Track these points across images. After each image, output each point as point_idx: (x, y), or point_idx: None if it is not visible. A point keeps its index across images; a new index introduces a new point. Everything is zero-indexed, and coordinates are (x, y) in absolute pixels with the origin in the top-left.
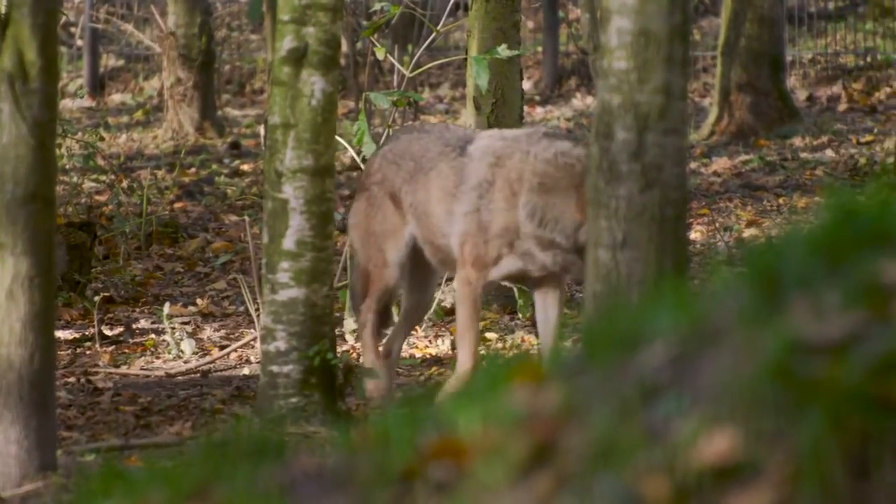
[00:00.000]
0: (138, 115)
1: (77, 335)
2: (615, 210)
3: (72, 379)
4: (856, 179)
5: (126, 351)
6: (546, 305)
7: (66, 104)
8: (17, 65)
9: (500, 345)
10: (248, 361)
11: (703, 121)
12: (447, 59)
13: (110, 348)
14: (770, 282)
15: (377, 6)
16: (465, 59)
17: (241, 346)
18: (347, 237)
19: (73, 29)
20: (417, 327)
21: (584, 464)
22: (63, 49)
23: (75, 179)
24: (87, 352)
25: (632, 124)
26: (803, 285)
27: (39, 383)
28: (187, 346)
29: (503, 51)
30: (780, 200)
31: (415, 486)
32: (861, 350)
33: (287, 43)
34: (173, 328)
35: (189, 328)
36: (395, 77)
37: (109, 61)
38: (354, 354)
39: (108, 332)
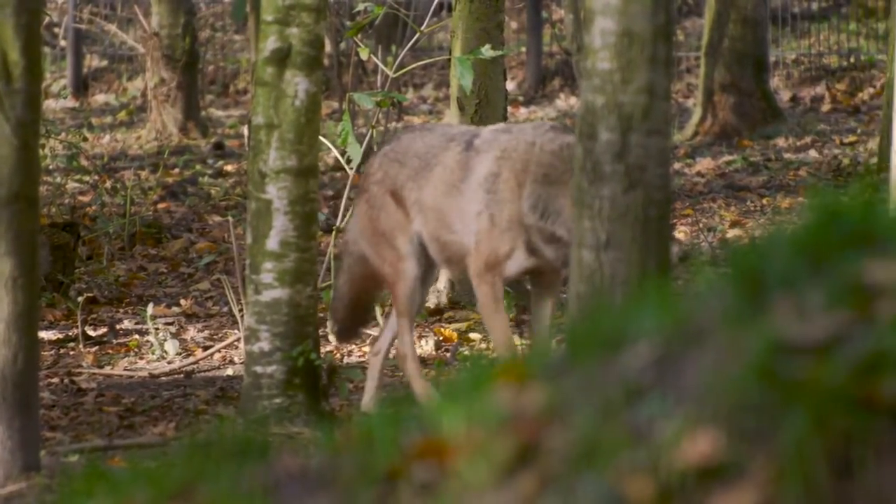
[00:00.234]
0: (122, 115)
1: (61, 336)
2: (599, 210)
3: (55, 379)
4: (839, 180)
5: (110, 351)
6: (540, 305)
7: (49, 105)
8: (0, 65)
9: (483, 345)
10: (231, 362)
11: (686, 121)
12: (431, 60)
13: (94, 349)
14: (754, 282)
15: (361, 6)
16: (449, 60)
17: (224, 347)
18: (330, 239)
19: (56, 29)
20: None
21: (568, 464)
22: (46, 49)
23: (59, 180)
24: (71, 352)
25: (615, 125)
26: (787, 286)
27: (23, 384)
28: (171, 346)
29: (487, 51)
30: (764, 201)
31: (399, 486)
32: (844, 350)
33: (271, 43)
34: (157, 329)
35: (173, 329)
36: (379, 77)
37: (93, 62)
38: (338, 354)
39: (91, 333)
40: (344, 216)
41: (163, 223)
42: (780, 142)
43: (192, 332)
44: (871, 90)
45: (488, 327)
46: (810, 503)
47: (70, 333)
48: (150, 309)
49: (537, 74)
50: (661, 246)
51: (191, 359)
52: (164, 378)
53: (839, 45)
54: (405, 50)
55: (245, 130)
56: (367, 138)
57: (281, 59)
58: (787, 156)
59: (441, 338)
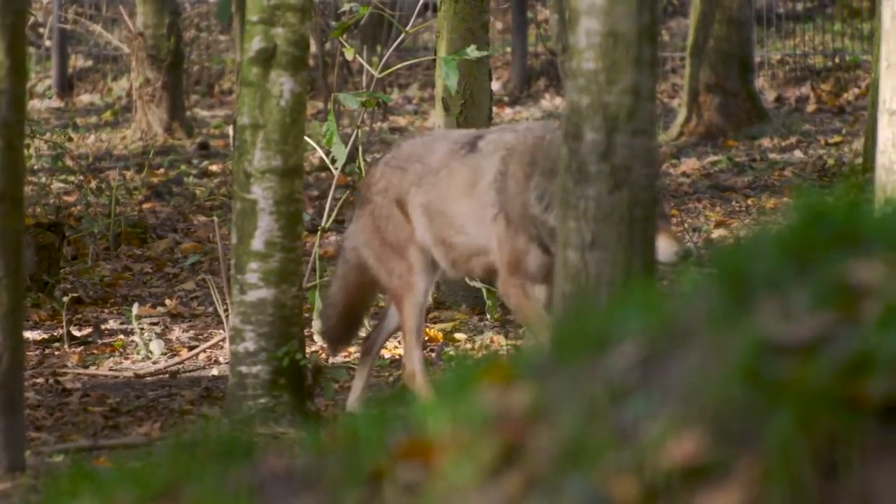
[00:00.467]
0: (107, 115)
1: (46, 336)
2: (584, 211)
3: (40, 380)
4: (824, 180)
5: (95, 352)
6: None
7: (34, 105)
8: None
9: (469, 345)
10: (216, 362)
11: (671, 122)
12: (416, 60)
13: (79, 349)
14: (739, 283)
15: (346, 7)
16: (434, 60)
17: (209, 347)
18: (315, 239)
19: (41, 29)
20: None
21: (553, 464)
22: (31, 50)
23: (44, 180)
24: (56, 352)
25: (601, 125)
26: (772, 286)
27: (8, 384)
28: (156, 346)
29: (472, 51)
30: (749, 201)
31: (384, 486)
32: (830, 351)
33: (256, 43)
34: (142, 329)
35: (158, 329)
36: (364, 78)
37: (78, 62)
38: (323, 355)
39: (76, 333)
40: (329, 216)
41: (148, 223)
42: (765, 142)
43: (177, 333)
44: (856, 90)
45: (531, 331)
46: (796, 503)
47: (55, 333)
48: (135, 309)
49: (522, 75)
50: (647, 246)
51: (176, 359)
52: (149, 378)
53: (824, 45)
54: (390, 50)
55: (230, 130)
56: (352, 139)
57: (266, 59)
58: (772, 156)
59: (426, 338)
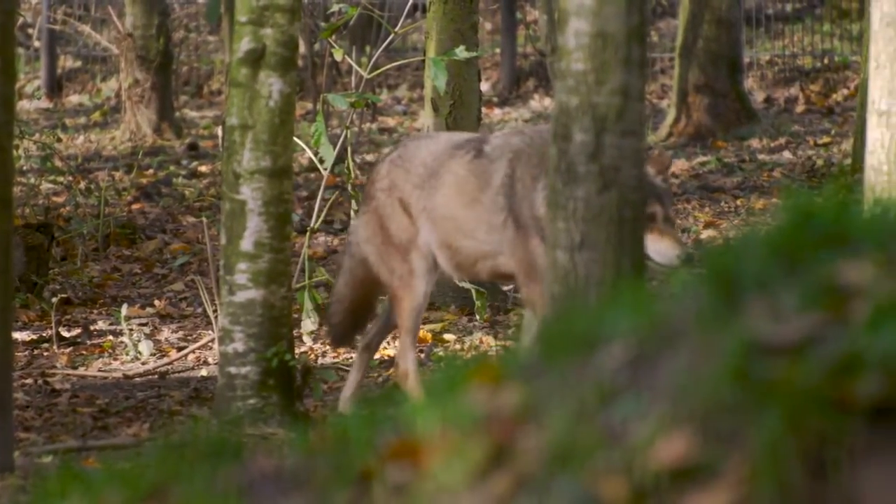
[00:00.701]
0: (96, 116)
1: (34, 336)
2: (573, 211)
3: (29, 380)
4: (813, 181)
5: (84, 352)
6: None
7: (23, 105)
8: None
9: (458, 346)
10: (205, 363)
11: (660, 122)
12: (405, 61)
13: (68, 350)
14: (728, 283)
15: (335, 7)
16: (423, 61)
17: (198, 348)
18: (304, 239)
19: (30, 30)
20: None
21: (542, 465)
22: (20, 50)
23: (33, 181)
24: (45, 353)
25: (589, 126)
26: (761, 287)
27: None
28: (145, 347)
29: (461, 52)
30: (738, 202)
31: (373, 486)
32: (818, 351)
33: (245, 44)
34: (131, 329)
35: (147, 329)
36: (353, 78)
37: (67, 62)
38: (312, 356)
39: (65, 334)
40: (318, 217)
41: (137, 224)
42: (755, 143)
43: (166, 333)
44: (845, 91)
45: None
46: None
47: (44, 334)
48: (124, 310)
49: (511, 75)
50: (636, 246)
51: (165, 360)
52: (138, 379)
53: (813, 46)
54: (379, 51)
55: (219, 131)
56: (341, 139)
57: (255, 59)
58: (761, 157)
59: None
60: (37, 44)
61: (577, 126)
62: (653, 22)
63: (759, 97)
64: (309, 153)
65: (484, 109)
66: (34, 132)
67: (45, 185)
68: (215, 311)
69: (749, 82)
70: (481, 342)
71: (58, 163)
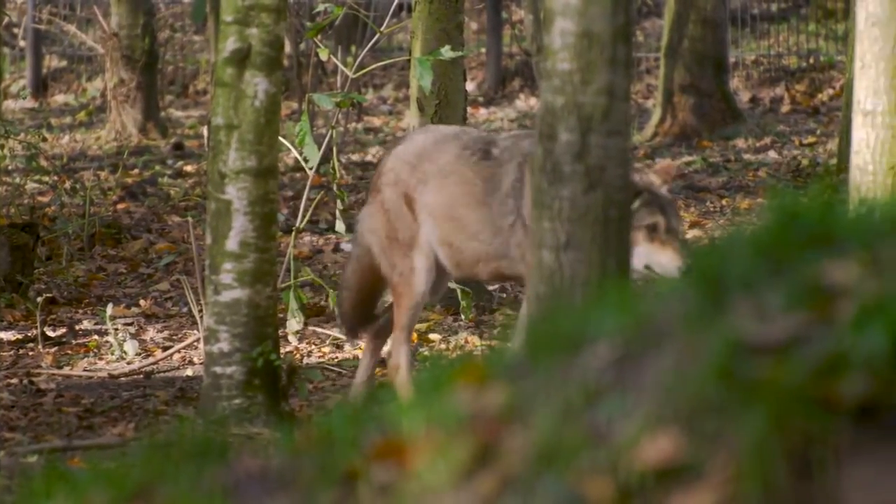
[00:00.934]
0: (81, 115)
1: (20, 336)
2: (559, 211)
3: (14, 380)
4: (798, 181)
5: (69, 352)
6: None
7: (8, 105)
8: None
9: (443, 346)
10: (191, 362)
11: (646, 122)
12: (391, 61)
13: (53, 349)
14: (713, 283)
15: (321, 7)
16: (409, 61)
17: (184, 348)
18: (289, 239)
19: (15, 30)
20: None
21: (528, 465)
22: (6, 50)
23: (18, 180)
24: (30, 353)
25: (575, 125)
26: (746, 287)
27: None
28: (130, 347)
29: (447, 52)
30: (724, 202)
31: (358, 486)
32: (803, 351)
33: (230, 44)
34: (116, 329)
35: (132, 329)
36: (339, 78)
37: (52, 62)
38: (297, 355)
39: (50, 334)
40: (303, 216)
41: (122, 224)
42: (740, 143)
43: (151, 333)
44: (831, 91)
45: None
46: (769, 503)
47: (29, 334)
48: (109, 309)
49: (497, 75)
50: (621, 246)
51: (150, 359)
52: (123, 378)
53: (798, 46)
54: (365, 51)
55: (204, 131)
56: (327, 139)
57: (240, 59)
58: (746, 157)
59: None
60: (22, 43)
61: (562, 126)
62: (638, 22)
63: (744, 97)
64: (294, 153)
65: (469, 109)
66: (19, 132)
67: (31, 185)
68: (201, 310)
69: (734, 82)
70: (466, 342)
71: (43, 162)
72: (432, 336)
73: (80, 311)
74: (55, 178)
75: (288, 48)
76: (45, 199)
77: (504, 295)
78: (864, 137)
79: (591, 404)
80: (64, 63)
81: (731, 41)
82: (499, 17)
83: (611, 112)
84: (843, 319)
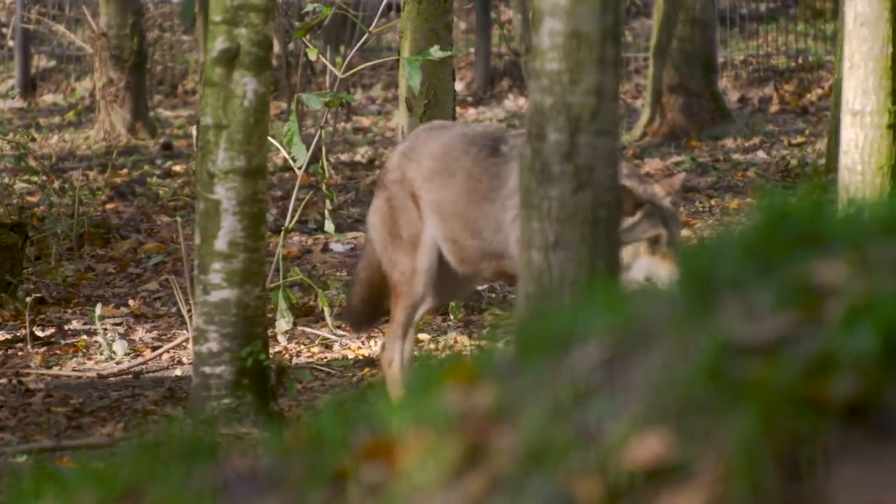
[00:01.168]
0: (70, 115)
1: (8, 336)
2: (547, 211)
3: (3, 380)
4: (787, 181)
5: (58, 352)
6: None
7: None
8: None
9: (432, 346)
10: (180, 362)
11: (635, 122)
12: (380, 61)
13: (42, 349)
14: (702, 283)
15: (309, 7)
16: (398, 61)
17: (173, 347)
18: (278, 239)
19: (4, 29)
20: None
21: (517, 465)
22: None
23: (6, 180)
24: (19, 353)
25: (564, 125)
26: (735, 287)
27: None
28: (119, 347)
29: (435, 52)
30: (712, 202)
31: (347, 486)
32: (793, 351)
33: (219, 44)
34: (105, 329)
35: (121, 329)
36: (328, 78)
37: (41, 62)
38: (287, 355)
39: (39, 333)
40: (292, 217)
41: (111, 223)
42: (729, 142)
43: (140, 333)
44: (819, 91)
45: None
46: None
47: (18, 334)
48: (98, 309)
49: (486, 75)
50: (610, 246)
51: (139, 359)
52: (112, 378)
53: (787, 46)
54: (354, 50)
55: (193, 131)
56: (316, 139)
57: (229, 59)
58: (735, 156)
59: None
60: (11, 43)
61: (551, 126)
62: (627, 22)
63: (733, 97)
64: (283, 153)
65: (458, 109)
66: (8, 131)
67: (19, 185)
68: (190, 310)
69: (723, 82)
70: (456, 342)
71: (32, 162)
72: (421, 336)
73: (69, 311)
74: (44, 177)
75: (277, 48)
76: (33, 199)
77: (493, 295)
78: (852, 137)
79: (581, 404)
80: (53, 63)
81: (720, 41)
82: (487, 17)
83: (600, 112)
84: (831, 319)
